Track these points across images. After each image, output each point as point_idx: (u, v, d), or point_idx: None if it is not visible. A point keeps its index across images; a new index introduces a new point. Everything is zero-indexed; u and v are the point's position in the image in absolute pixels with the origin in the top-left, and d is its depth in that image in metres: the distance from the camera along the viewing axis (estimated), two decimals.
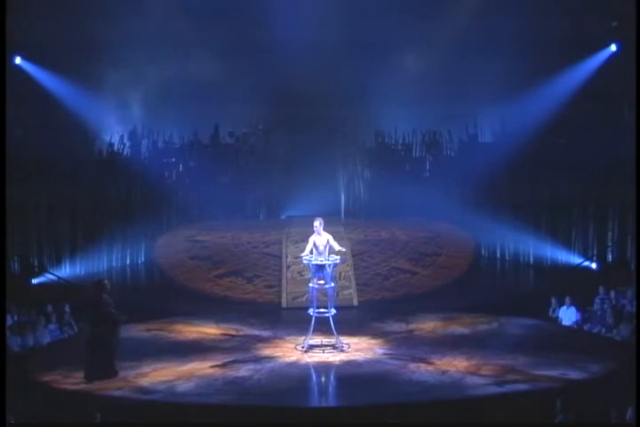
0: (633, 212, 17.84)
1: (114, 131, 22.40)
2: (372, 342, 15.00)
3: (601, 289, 16.98)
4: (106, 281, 13.65)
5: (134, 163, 21.31)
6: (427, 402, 12.15)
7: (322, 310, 14.65)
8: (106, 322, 13.15)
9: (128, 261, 20.29)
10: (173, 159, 22.43)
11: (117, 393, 12.53)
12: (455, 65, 22.57)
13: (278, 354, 14.31)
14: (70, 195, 19.71)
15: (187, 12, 22.27)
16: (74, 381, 12.97)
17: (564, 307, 16.65)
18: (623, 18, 20.28)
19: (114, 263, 20.06)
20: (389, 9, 22.31)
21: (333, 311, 14.61)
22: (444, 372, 13.26)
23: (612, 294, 16.80)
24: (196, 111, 22.91)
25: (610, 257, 19.71)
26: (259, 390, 12.65)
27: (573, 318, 16.52)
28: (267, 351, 14.48)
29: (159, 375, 13.21)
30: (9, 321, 15.55)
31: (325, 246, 14.52)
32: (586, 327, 16.30)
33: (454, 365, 13.57)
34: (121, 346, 13.36)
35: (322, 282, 14.66)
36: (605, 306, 16.39)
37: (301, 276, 17.91)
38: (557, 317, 16.70)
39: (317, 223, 14.66)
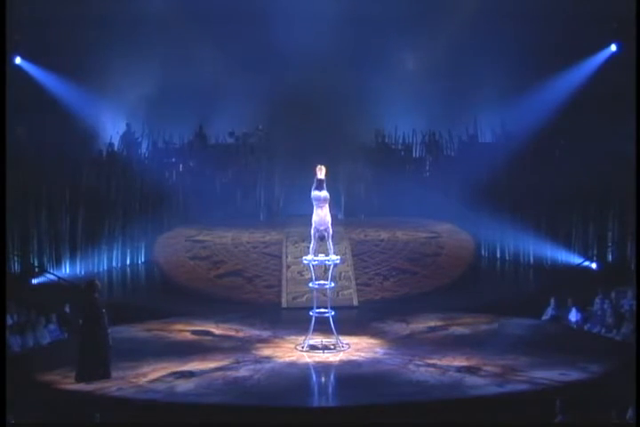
0: (633, 212, 17.84)
1: (114, 131, 22.43)
2: (372, 342, 15.00)
3: (601, 289, 16.97)
4: (97, 281, 13.68)
5: (134, 163, 21.30)
6: (427, 402, 12.15)
7: (322, 310, 14.66)
8: (96, 322, 13.14)
9: (128, 261, 20.28)
10: (173, 159, 22.43)
11: (117, 393, 12.53)
12: (455, 65, 22.63)
13: (278, 354, 14.31)
14: (70, 195, 19.70)
15: (186, 13, 22.30)
16: (74, 381, 12.97)
17: (565, 307, 16.67)
18: (623, 18, 20.29)
19: (114, 263, 20.05)
20: (390, 10, 22.34)
21: (333, 312, 14.63)
22: (444, 372, 13.27)
23: (612, 293, 16.79)
24: (195, 111, 22.98)
25: (610, 257, 19.70)
26: (259, 390, 12.66)
27: (574, 319, 16.52)
28: (267, 351, 14.47)
29: (159, 375, 13.20)
30: (9, 321, 15.54)
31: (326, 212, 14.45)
32: (586, 327, 16.30)
33: (454, 365, 13.57)
34: (115, 347, 13.33)
35: (322, 282, 14.72)
36: (605, 306, 16.38)
37: (301, 276, 17.90)
38: (557, 317, 16.70)
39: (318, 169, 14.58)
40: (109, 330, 13.27)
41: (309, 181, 14.66)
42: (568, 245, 19.80)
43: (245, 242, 19.95)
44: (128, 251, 20.24)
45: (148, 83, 22.32)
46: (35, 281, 18.77)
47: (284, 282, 18.22)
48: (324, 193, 14.42)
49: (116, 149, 21.83)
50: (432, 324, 16.08)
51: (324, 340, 14.62)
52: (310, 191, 14.54)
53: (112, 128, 22.57)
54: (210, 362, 13.88)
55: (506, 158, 20.33)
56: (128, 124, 22.64)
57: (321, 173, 14.52)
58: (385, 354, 14.28)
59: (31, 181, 19.40)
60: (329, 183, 14.64)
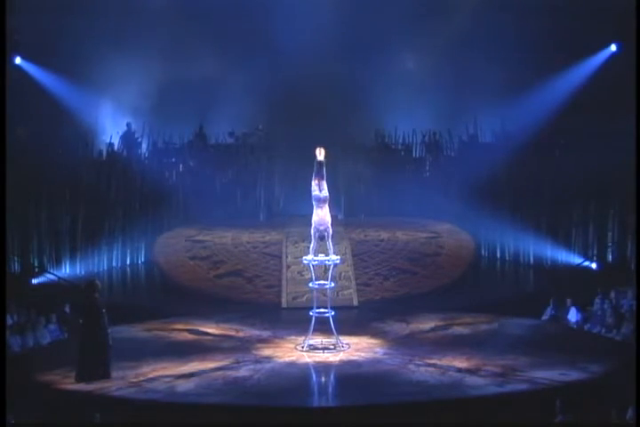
0: (633, 212, 17.85)
1: (114, 131, 22.43)
2: (372, 342, 14.99)
3: (601, 289, 16.97)
4: (97, 281, 13.70)
5: (134, 163, 21.31)
6: (427, 402, 12.15)
7: (322, 310, 14.66)
8: (96, 322, 13.14)
9: (128, 261, 20.27)
10: (173, 159, 22.42)
11: (117, 393, 12.53)
12: (455, 65, 22.64)
13: (278, 354, 14.31)
14: (70, 195, 19.69)
15: (186, 12, 22.32)
16: (74, 381, 12.98)
17: (564, 307, 16.67)
18: (623, 18, 20.29)
19: (114, 263, 20.04)
20: (389, 9, 22.36)
21: (333, 312, 14.64)
22: (443, 372, 13.27)
23: (612, 293, 16.79)
24: (196, 111, 22.99)
25: (610, 257, 19.70)
26: (259, 390, 12.65)
27: (574, 319, 16.52)
28: (267, 351, 14.47)
29: (159, 375, 13.20)
30: (9, 321, 15.54)
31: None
32: (586, 327, 16.30)
33: (454, 365, 13.58)
34: (115, 347, 13.32)
35: (322, 282, 14.73)
36: (605, 306, 16.38)
37: (301, 276, 17.90)
38: (557, 317, 16.70)
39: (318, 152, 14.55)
40: (109, 330, 13.28)
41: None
42: (568, 245, 19.80)
43: (245, 242, 19.95)
44: (128, 251, 20.24)
45: (148, 82, 22.31)
46: (35, 281, 18.76)
47: (284, 282, 18.22)
48: (324, 193, 14.42)
49: (115, 149, 21.83)
50: (432, 324, 16.07)
51: (323, 340, 14.62)
52: (312, 177, 14.49)
53: (112, 128, 22.58)
54: (210, 362, 13.88)
55: (506, 158, 20.32)
56: (128, 124, 22.64)
57: (320, 154, 14.51)
58: (385, 354, 14.27)
59: (31, 181, 19.38)
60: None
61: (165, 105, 22.38)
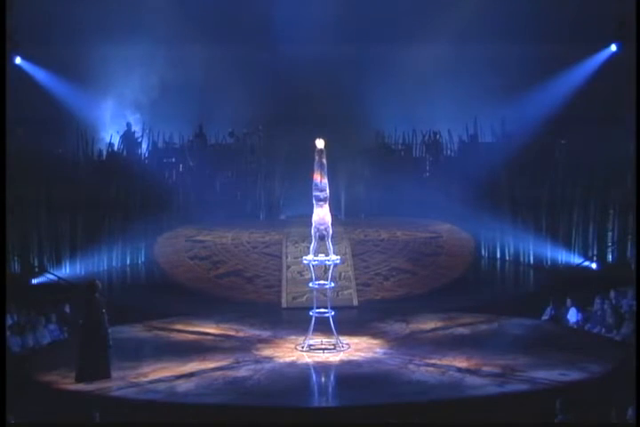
0: (633, 212, 17.83)
1: (114, 131, 22.44)
2: (372, 342, 15.00)
3: (601, 289, 16.96)
4: (97, 282, 13.71)
5: (134, 163, 21.30)
6: (427, 402, 12.15)
7: (322, 310, 14.67)
8: (96, 322, 13.14)
9: (128, 261, 20.24)
10: (173, 159, 22.42)
11: (117, 393, 12.55)
12: (455, 65, 22.65)
13: (278, 354, 14.32)
14: (70, 195, 19.66)
15: (186, 12, 22.33)
16: (74, 381, 12.98)
17: (565, 307, 16.67)
18: (623, 18, 20.32)
19: (114, 263, 20.02)
20: (389, 8, 22.39)
21: (333, 312, 14.64)
22: (443, 372, 13.27)
23: (612, 293, 16.77)
24: (196, 111, 22.99)
25: (610, 257, 19.69)
26: (259, 390, 12.67)
27: (574, 319, 16.52)
28: (267, 351, 14.49)
29: (159, 375, 13.21)
30: (9, 321, 15.54)
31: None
32: (586, 327, 16.29)
33: (454, 365, 13.57)
34: (115, 347, 13.35)
35: (322, 282, 14.73)
36: (605, 306, 16.37)
37: (301, 276, 17.91)
38: (557, 317, 16.70)
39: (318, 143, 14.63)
40: (109, 330, 13.29)
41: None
42: (568, 245, 19.79)
43: (245, 242, 19.95)
44: (128, 251, 20.20)
45: (148, 82, 22.33)
46: (35, 281, 18.76)
47: (283, 282, 18.22)
48: (325, 193, 14.44)
49: (115, 149, 21.83)
50: (432, 324, 16.08)
51: (324, 340, 14.63)
52: (312, 173, 14.52)
53: (112, 128, 22.59)
54: (210, 362, 13.89)
55: (506, 158, 20.31)
56: (128, 124, 22.65)
57: (320, 143, 14.53)
58: (385, 354, 14.29)
59: (31, 181, 19.37)
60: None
61: (165, 105, 22.39)
